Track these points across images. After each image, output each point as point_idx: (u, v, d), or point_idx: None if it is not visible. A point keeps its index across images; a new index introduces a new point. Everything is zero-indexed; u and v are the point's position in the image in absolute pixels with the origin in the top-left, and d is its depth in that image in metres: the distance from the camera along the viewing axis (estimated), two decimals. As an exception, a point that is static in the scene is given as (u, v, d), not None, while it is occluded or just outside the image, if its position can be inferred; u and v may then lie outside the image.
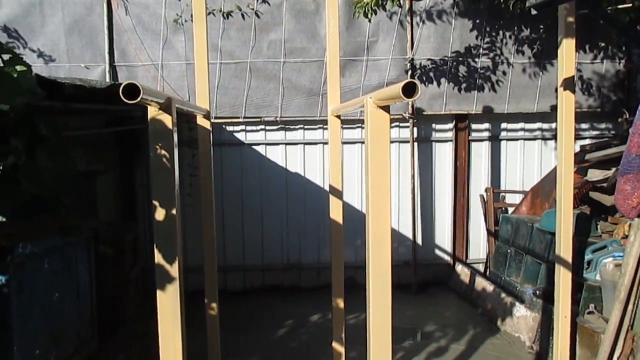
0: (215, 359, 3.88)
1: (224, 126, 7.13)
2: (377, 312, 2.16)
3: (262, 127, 7.19)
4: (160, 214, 2.12)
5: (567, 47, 3.93)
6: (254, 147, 7.23)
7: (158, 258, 2.16)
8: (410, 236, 7.27)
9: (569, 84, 3.96)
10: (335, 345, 3.95)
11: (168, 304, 2.16)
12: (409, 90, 1.70)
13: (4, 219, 4.37)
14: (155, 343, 2.28)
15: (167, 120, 2.09)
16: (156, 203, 2.11)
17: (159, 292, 2.15)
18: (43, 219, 4.43)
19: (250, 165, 7.22)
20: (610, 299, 4.18)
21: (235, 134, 7.20)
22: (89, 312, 4.85)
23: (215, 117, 6.86)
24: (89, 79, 5.65)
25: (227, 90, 6.94)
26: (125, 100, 1.62)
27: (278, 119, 7.06)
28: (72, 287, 4.53)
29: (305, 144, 7.24)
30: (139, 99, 1.62)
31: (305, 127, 7.22)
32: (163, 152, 2.09)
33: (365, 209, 2.22)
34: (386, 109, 2.11)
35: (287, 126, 7.21)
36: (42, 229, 4.15)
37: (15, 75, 1.85)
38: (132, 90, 1.62)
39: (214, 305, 3.84)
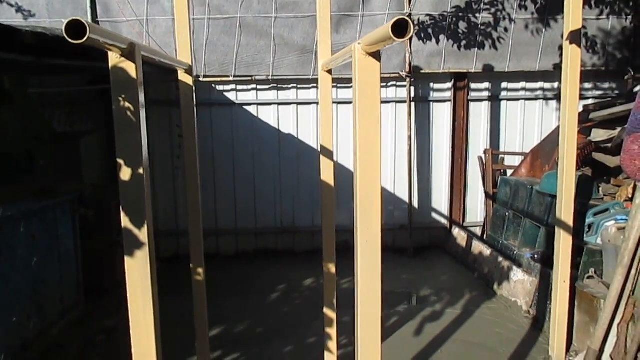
0: (202, 326, 3.74)
1: (213, 85, 6.86)
2: (366, 280, 1.98)
3: (254, 86, 6.93)
4: (125, 174, 1.92)
5: (574, -3, 3.66)
6: (245, 107, 6.98)
7: (125, 222, 1.96)
8: (406, 199, 7.10)
9: (575, 37, 3.71)
10: (326, 310, 3.81)
11: (137, 272, 1.98)
12: (400, 29, 1.47)
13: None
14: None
15: (131, 68, 1.86)
16: (121, 162, 1.90)
17: (127, 259, 1.96)
18: (20, 181, 4.23)
19: (242, 126, 6.99)
20: (611, 263, 4.04)
21: (225, 94, 6.94)
22: (74, 277, 4.71)
23: (204, 76, 6.61)
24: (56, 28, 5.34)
25: (216, 48, 6.64)
26: (70, 41, 1.39)
27: (270, 77, 6.79)
28: (53, 252, 4.37)
29: (298, 104, 6.99)
30: (85, 38, 1.39)
31: (299, 86, 6.95)
32: (127, 104, 1.87)
33: (354, 169, 2.01)
34: (376, 56, 1.88)
35: (279, 85, 6.94)
36: (16, 192, 3.95)
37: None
38: (78, 28, 1.39)
39: (200, 270, 3.67)
